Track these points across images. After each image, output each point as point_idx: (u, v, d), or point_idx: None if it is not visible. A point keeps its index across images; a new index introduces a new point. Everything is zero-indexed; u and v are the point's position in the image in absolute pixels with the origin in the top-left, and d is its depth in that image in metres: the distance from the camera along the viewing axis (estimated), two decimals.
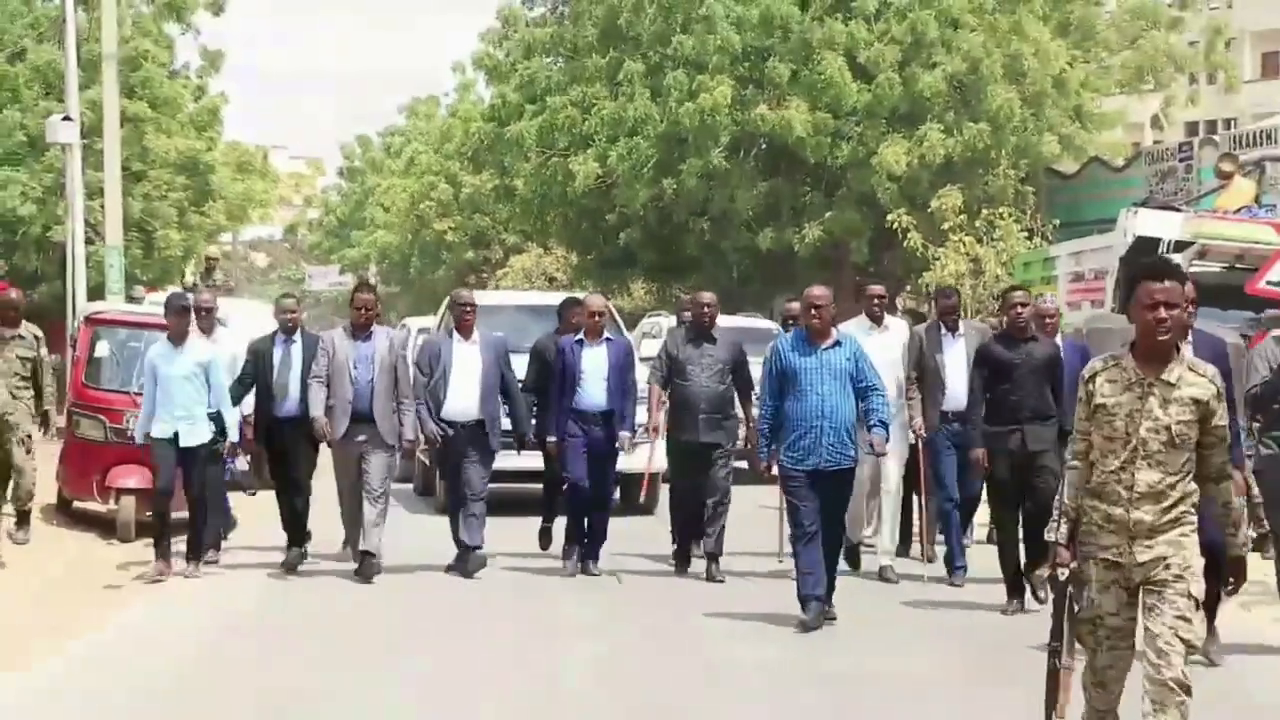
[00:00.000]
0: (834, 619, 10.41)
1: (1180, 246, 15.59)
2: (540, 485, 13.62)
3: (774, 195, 27.99)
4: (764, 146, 27.91)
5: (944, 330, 12.49)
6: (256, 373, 12.60)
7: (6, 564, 12.56)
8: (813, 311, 10.45)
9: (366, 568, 12.09)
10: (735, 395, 12.63)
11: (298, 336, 12.63)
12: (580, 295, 14.67)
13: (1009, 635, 10.01)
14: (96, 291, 23.41)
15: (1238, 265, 15.34)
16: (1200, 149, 24.23)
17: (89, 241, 25.47)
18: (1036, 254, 22.12)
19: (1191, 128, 43.52)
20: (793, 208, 28.08)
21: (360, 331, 12.30)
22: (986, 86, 25.90)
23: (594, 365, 12.56)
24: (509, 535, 13.44)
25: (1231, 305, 15.23)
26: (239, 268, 63.23)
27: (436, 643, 9.91)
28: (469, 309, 12.57)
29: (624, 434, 12.65)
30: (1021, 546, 11.04)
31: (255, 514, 14.45)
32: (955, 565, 12.20)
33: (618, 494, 14.73)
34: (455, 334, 12.58)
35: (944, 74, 26.09)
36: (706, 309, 12.57)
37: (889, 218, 25.20)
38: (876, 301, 12.69)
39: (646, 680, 8.89)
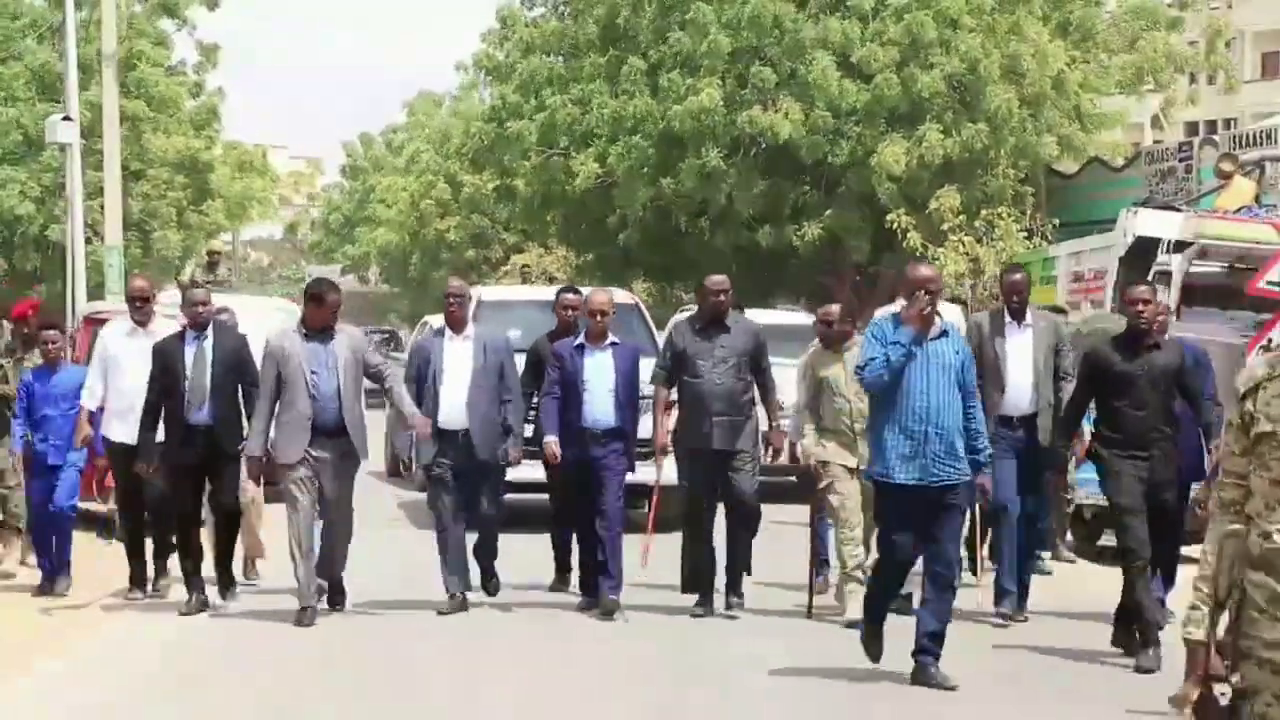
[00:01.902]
0: (954, 688, 8.53)
1: (1180, 246, 15.59)
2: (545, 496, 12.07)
3: (773, 195, 27.98)
4: (763, 146, 27.89)
5: (1009, 316, 10.62)
6: (164, 377, 10.72)
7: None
8: (926, 297, 8.61)
9: (307, 616, 10.32)
10: (754, 392, 10.88)
11: (209, 332, 10.83)
12: (581, 288, 13.09)
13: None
14: (96, 291, 23.43)
15: (1238, 265, 15.35)
16: (1200, 149, 24.22)
17: (87, 241, 25.49)
18: (1036, 254, 22.11)
19: (1191, 128, 43.53)
20: (792, 207, 28.07)
21: (321, 334, 10.43)
22: (985, 87, 25.89)
23: (598, 375, 10.81)
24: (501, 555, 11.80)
25: (1232, 305, 15.24)
26: (240, 267, 63.20)
27: (433, 661, 9.65)
28: (455, 300, 10.93)
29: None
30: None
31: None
32: (1004, 589, 10.53)
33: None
34: (447, 330, 10.94)
35: (942, 74, 26.08)
36: (720, 296, 10.81)
37: (888, 218, 25.19)
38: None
39: None
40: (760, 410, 10.91)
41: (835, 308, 11.00)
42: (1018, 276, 10.83)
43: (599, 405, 10.77)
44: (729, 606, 10.74)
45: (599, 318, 10.88)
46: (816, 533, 11.22)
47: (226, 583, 11.01)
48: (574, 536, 11.48)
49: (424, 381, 10.82)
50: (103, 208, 24.54)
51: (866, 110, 26.33)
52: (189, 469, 10.70)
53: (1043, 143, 26.29)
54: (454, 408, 10.69)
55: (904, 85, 26.04)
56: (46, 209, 28.80)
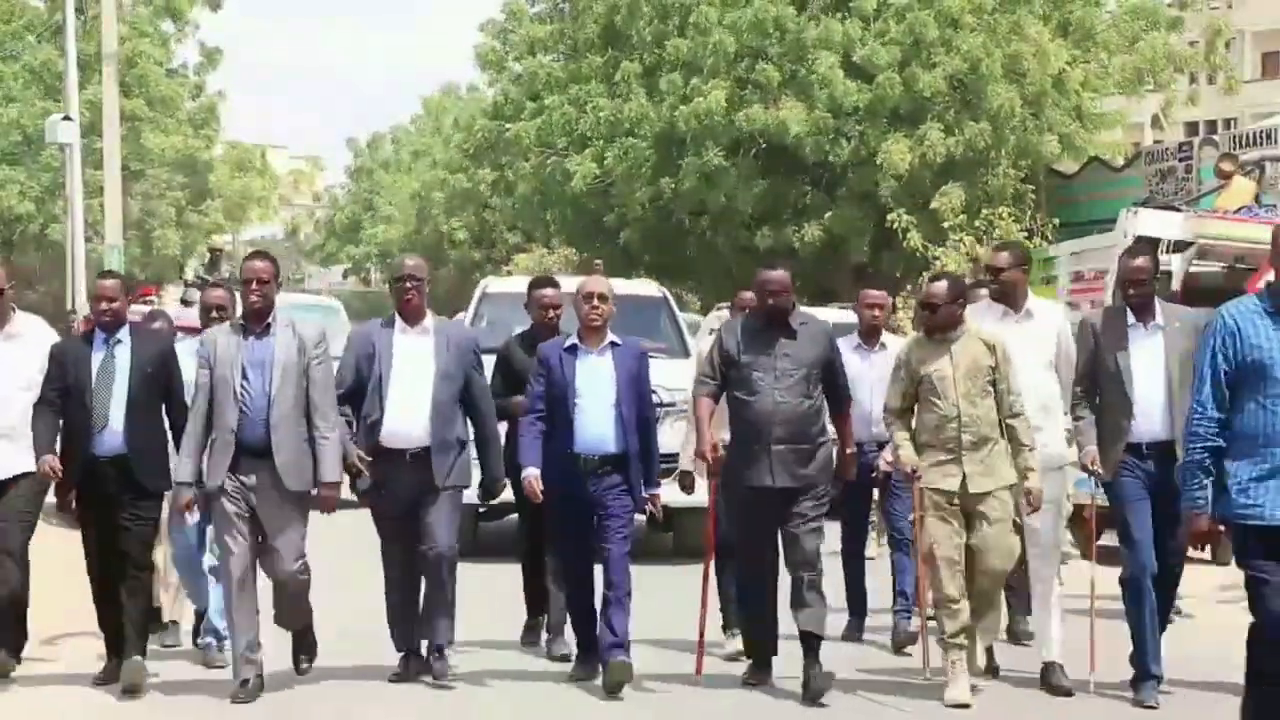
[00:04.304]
0: None
1: (1180, 246, 15.58)
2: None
3: (773, 194, 28.00)
4: (763, 146, 27.91)
5: (1133, 318, 8.32)
6: (63, 389, 8.41)
7: None
8: None
9: (246, 691, 8.16)
10: (824, 412, 8.59)
11: (125, 335, 8.51)
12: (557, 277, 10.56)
13: None
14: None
15: (1238, 265, 15.33)
16: (1200, 149, 24.21)
17: (87, 241, 25.53)
18: (1037, 254, 22.09)
19: (1191, 128, 43.52)
20: (792, 207, 28.09)
21: (256, 324, 8.28)
22: (986, 86, 25.93)
23: (594, 384, 8.49)
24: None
25: None
26: (240, 267, 63.16)
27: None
28: (413, 284, 8.57)
29: (651, 494, 8.69)
30: None
31: None
32: (1149, 674, 8.23)
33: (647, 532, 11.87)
34: (398, 321, 8.61)
35: (944, 74, 26.13)
36: (775, 297, 8.43)
37: (889, 217, 25.23)
38: (991, 276, 8.79)
39: None
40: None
41: (941, 286, 8.51)
42: (1139, 261, 8.32)
43: (596, 425, 8.47)
44: (810, 689, 8.29)
45: (596, 304, 8.55)
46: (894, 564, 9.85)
47: (138, 645, 8.59)
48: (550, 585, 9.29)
49: (364, 385, 8.52)
50: (102, 207, 24.57)
51: (868, 109, 26.37)
52: (93, 511, 8.48)
53: (1044, 142, 26.33)
54: (406, 421, 8.45)
55: (905, 84, 26.09)
56: (46, 209, 28.84)
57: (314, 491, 8.29)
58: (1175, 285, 15.29)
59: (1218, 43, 30.73)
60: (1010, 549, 8.31)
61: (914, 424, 8.53)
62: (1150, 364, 8.24)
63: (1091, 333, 8.40)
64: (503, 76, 32.70)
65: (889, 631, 9.80)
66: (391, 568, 8.73)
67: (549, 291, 9.54)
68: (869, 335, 10.15)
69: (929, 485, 8.36)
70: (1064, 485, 8.79)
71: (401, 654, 8.75)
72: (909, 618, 9.59)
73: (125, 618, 8.49)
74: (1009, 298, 8.66)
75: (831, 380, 8.54)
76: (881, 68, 26.12)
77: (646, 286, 15.94)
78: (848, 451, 8.71)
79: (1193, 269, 15.37)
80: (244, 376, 8.17)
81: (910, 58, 26.39)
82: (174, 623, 9.63)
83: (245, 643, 8.24)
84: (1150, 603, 8.21)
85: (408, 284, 8.58)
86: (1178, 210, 16.92)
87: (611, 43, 29.71)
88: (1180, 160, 24.39)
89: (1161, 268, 15.54)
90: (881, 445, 9.58)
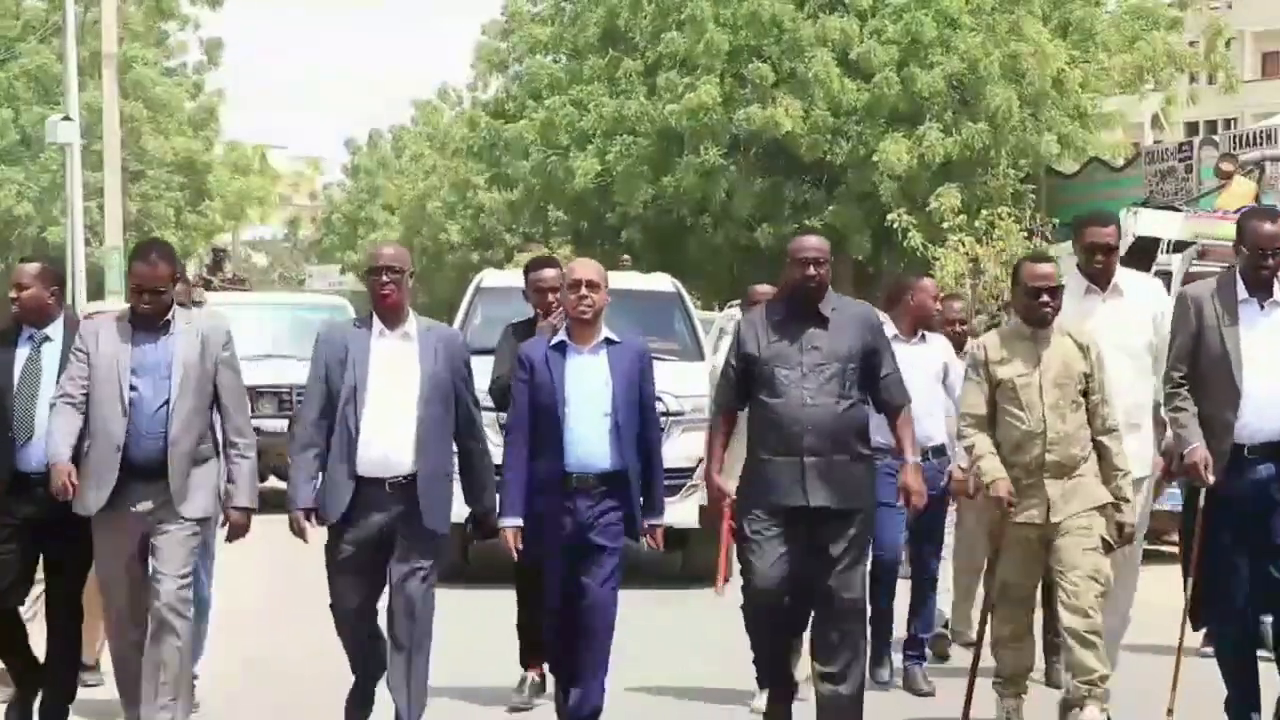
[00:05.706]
0: None
1: (1180, 246, 15.59)
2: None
3: (773, 193, 28.02)
4: (763, 145, 27.93)
5: (1247, 291, 6.88)
6: None
7: None
8: None
9: None
10: (867, 417, 7.07)
11: (56, 330, 7.11)
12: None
13: None
14: (96, 292, 23.44)
15: None
16: (1200, 149, 24.23)
17: (85, 242, 25.55)
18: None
19: (1191, 128, 43.55)
20: (792, 206, 28.11)
21: (147, 324, 6.86)
22: (985, 86, 25.96)
23: (585, 389, 7.04)
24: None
25: None
26: (240, 268, 63.12)
27: None
28: (388, 276, 6.98)
29: (652, 524, 7.23)
30: None
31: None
32: None
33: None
34: (376, 322, 7.00)
35: (942, 74, 26.16)
36: (814, 269, 6.93)
37: (889, 217, 25.25)
38: (1101, 255, 7.45)
39: None
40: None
41: (1048, 268, 7.14)
42: (1274, 226, 6.84)
43: (588, 437, 7.03)
44: None
45: (585, 293, 7.05)
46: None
47: (57, 703, 7.21)
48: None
49: (335, 401, 6.86)
50: (101, 209, 24.59)
51: (867, 110, 26.40)
52: (14, 535, 7.01)
53: (1043, 142, 26.36)
54: (387, 443, 6.84)
55: (904, 85, 26.11)
56: (45, 210, 28.87)
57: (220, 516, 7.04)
58: (1176, 285, 15.28)
59: (1218, 43, 30.75)
60: (1096, 568, 6.94)
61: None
62: (1267, 347, 6.84)
63: (1194, 308, 6.94)
64: (504, 75, 32.76)
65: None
66: (345, 624, 7.00)
67: (548, 273, 8.13)
68: (910, 327, 8.82)
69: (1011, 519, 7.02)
70: (1149, 499, 7.65)
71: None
72: (921, 663, 8.56)
73: (47, 662, 7.21)
74: (1102, 275, 7.46)
75: (874, 372, 6.96)
76: (879, 67, 26.15)
77: (658, 281, 14.17)
78: (910, 462, 7.00)
79: (1193, 269, 15.35)
80: (130, 384, 6.80)
81: (908, 58, 26.43)
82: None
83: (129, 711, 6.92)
84: (1249, 647, 6.98)
85: (384, 276, 6.99)
86: (1178, 210, 16.92)
87: (612, 44, 29.74)
88: (1180, 160, 24.39)
89: (1161, 268, 15.65)
90: (933, 450, 8.41)
